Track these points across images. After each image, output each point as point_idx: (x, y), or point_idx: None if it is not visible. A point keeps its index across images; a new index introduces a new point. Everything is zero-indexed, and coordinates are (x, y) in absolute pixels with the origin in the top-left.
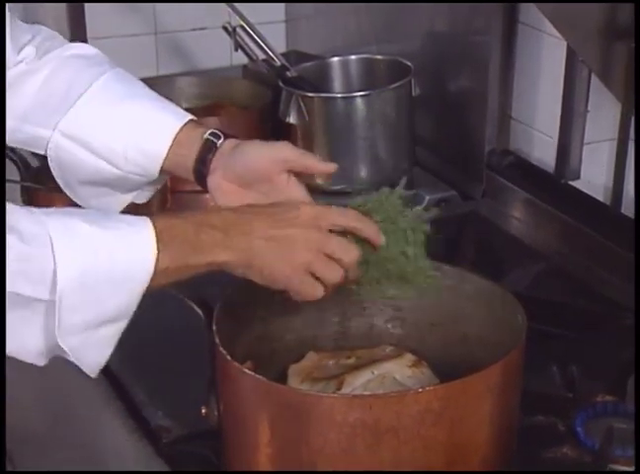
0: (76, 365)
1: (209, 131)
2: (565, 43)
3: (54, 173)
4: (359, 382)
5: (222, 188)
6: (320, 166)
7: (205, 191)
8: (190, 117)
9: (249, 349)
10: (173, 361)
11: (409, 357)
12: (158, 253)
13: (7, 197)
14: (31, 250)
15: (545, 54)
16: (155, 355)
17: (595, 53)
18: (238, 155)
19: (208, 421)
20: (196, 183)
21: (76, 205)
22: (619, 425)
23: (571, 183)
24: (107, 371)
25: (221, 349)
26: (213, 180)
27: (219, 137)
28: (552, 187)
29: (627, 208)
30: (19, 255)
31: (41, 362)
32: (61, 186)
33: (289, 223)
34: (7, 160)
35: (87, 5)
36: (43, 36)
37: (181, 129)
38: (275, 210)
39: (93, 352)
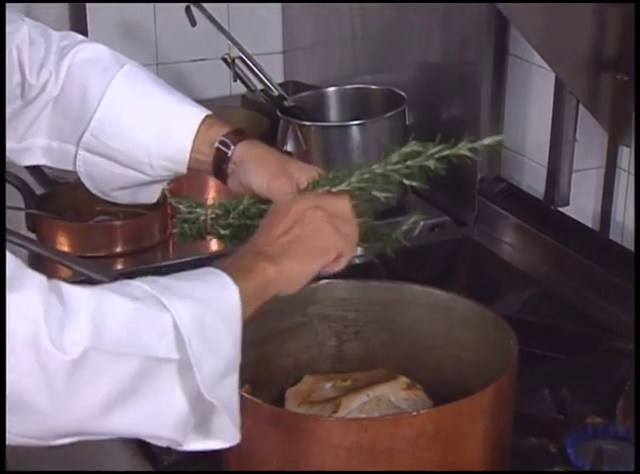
0: None
1: (219, 140)
2: (553, 75)
3: (87, 185)
4: (354, 405)
5: (241, 189)
6: None
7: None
8: (204, 113)
9: (247, 372)
10: None
11: (403, 380)
12: (237, 287)
13: (12, 224)
14: (144, 307)
15: (534, 85)
16: None
17: (582, 85)
18: (242, 173)
19: None
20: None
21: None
22: (609, 446)
23: (560, 209)
24: None
25: None
26: (232, 182)
27: (229, 146)
28: (542, 213)
29: (615, 234)
30: (136, 313)
31: (179, 437)
32: (95, 193)
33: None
34: (12, 187)
35: (90, 37)
36: (55, 45)
37: (197, 133)
38: (272, 222)
39: (235, 401)
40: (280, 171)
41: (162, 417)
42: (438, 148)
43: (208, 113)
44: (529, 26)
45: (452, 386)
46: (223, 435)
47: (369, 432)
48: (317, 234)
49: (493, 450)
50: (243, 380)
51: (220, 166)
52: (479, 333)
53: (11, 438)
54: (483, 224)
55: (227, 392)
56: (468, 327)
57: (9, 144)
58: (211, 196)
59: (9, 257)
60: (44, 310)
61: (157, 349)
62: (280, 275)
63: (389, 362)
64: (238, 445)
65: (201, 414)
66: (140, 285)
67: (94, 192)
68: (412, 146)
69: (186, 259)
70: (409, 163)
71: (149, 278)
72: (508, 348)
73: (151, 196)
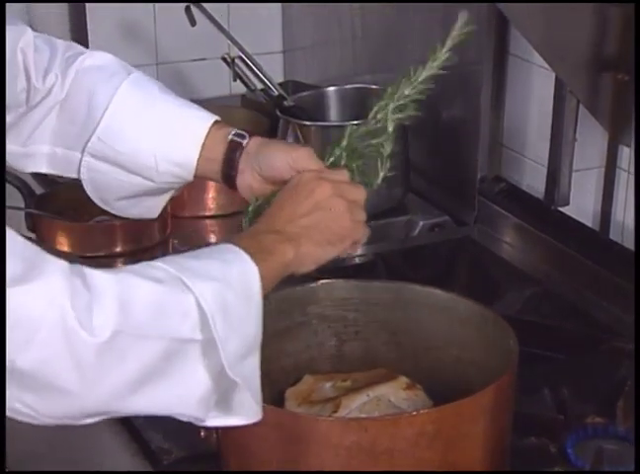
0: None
1: (234, 132)
2: (554, 75)
3: (89, 193)
4: (354, 405)
5: (252, 187)
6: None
7: (234, 189)
8: (213, 118)
9: None
10: None
11: (403, 380)
12: (257, 268)
13: (12, 224)
14: (167, 289)
15: (535, 85)
16: None
17: (582, 84)
18: (262, 158)
19: (208, 443)
20: (223, 184)
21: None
22: (609, 446)
23: (560, 209)
24: None
25: None
26: (243, 180)
27: (244, 137)
28: (542, 213)
29: (615, 234)
30: (160, 296)
31: (202, 414)
32: (97, 203)
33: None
34: (12, 187)
35: (90, 37)
36: (60, 53)
37: (207, 134)
38: (293, 201)
39: (257, 379)
40: (298, 145)
41: (186, 396)
42: (417, 74)
43: (217, 118)
44: (529, 26)
45: (452, 386)
46: (244, 412)
47: (369, 432)
48: (337, 222)
49: (493, 450)
50: None
51: (232, 158)
52: (479, 333)
53: (37, 418)
54: (483, 224)
55: (250, 370)
56: (468, 327)
57: (12, 147)
58: (211, 196)
59: (27, 245)
60: (70, 294)
61: (181, 330)
62: (297, 257)
63: (389, 362)
64: (238, 445)
65: (223, 391)
66: (163, 267)
67: (96, 201)
68: (392, 86)
69: None
70: (397, 98)
71: (169, 258)
72: (508, 348)
73: (153, 210)
